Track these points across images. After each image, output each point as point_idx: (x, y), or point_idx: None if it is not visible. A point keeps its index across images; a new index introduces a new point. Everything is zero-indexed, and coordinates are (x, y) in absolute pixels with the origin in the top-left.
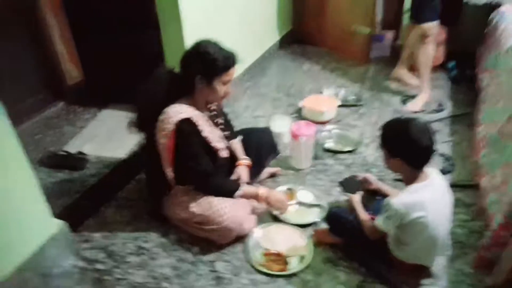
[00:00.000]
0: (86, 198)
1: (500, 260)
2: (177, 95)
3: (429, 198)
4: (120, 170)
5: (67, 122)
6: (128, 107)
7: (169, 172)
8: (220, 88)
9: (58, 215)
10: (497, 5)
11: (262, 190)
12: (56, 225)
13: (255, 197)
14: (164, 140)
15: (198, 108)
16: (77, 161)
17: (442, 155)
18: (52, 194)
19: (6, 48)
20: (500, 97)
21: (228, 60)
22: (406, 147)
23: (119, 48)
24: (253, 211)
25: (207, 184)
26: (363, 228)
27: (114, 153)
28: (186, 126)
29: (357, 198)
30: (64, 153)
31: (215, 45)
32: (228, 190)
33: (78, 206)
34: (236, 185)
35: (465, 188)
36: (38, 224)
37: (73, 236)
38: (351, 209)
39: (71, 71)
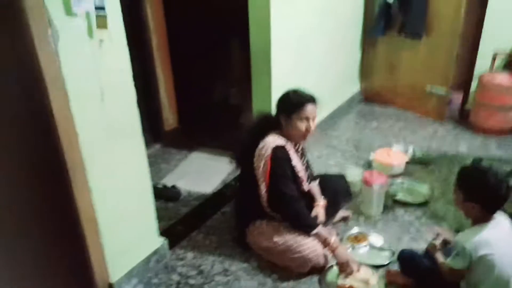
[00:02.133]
0: (179, 224)
1: None
2: (271, 132)
3: (495, 237)
4: (208, 203)
5: (163, 161)
6: (215, 150)
7: (264, 194)
8: (299, 124)
9: (160, 235)
10: None
11: (334, 239)
12: (160, 241)
13: (326, 241)
14: (262, 164)
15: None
16: (172, 193)
17: None
18: None
19: None
20: None
21: (302, 99)
22: (483, 193)
23: (212, 100)
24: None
25: (292, 207)
26: (441, 271)
27: (202, 189)
28: (280, 152)
29: (438, 241)
30: (161, 186)
31: (299, 90)
32: (308, 222)
33: (174, 230)
34: (315, 221)
35: None
36: (147, 238)
37: (170, 253)
38: (429, 252)
39: (169, 118)
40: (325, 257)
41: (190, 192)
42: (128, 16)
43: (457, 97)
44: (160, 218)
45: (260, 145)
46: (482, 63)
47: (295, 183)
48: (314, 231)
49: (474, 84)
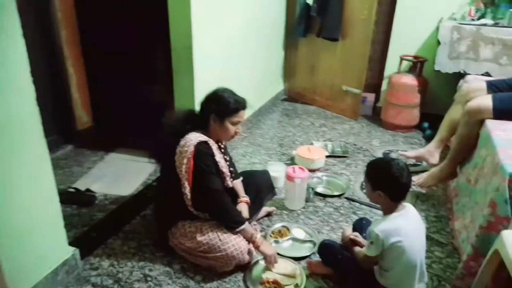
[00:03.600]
0: (94, 231)
1: None
2: (193, 129)
3: (404, 225)
4: (126, 207)
5: (76, 163)
6: (134, 151)
7: (188, 193)
8: (230, 128)
9: (69, 244)
10: (465, 74)
11: (259, 236)
12: (69, 251)
13: (251, 238)
14: (185, 161)
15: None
16: (85, 197)
17: None
18: None
19: None
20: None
21: (238, 104)
22: (387, 181)
23: (129, 98)
24: (250, 253)
25: (220, 202)
26: (357, 259)
27: (120, 192)
28: (203, 148)
29: (348, 231)
30: (73, 190)
31: (230, 91)
32: (236, 218)
33: (87, 237)
34: (242, 217)
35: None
36: (54, 248)
37: (83, 263)
38: (344, 242)
39: (82, 116)
40: (250, 253)
41: (107, 196)
42: (34, 8)
43: (370, 97)
44: (72, 225)
45: (182, 142)
46: (391, 65)
47: (219, 178)
48: (241, 227)
49: (384, 85)
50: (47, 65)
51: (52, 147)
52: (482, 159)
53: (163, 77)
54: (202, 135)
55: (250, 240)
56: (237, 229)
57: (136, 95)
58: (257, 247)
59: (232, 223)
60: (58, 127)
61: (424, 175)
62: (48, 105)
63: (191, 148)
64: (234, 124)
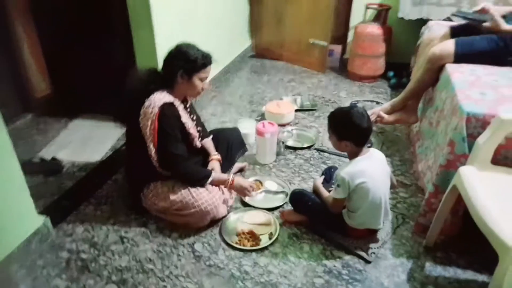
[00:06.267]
0: (65, 198)
1: (432, 224)
2: (158, 89)
3: (368, 167)
4: (96, 172)
5: (37, 132)
6: (99, 116)
7: (154, 155)
8: (198, 84)
9: (40, 213)
10: (427, 20)
11: (231, 176)
12: (40, 220)
13: (224, 182)
14: (149, 123)
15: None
16: (52, 166)
17: None
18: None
19: None
20: (429, 97)
21: (206, 59)
22: (351, 129)
23: (87, 60)
24: (225, 202)
25: (181, 168)
26: (326, 204)
27: (89, 158)
28: (168, 110)
29: (318, 180)
30: (38, 160)
31: (194, 46)
32: (201, 176)
33: (58, 205)
34: (207, 172)
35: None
36: (22, 218)
37: (56, 230)
38: (315, 190)
39: (40, 83)
40: (225, 202)
41: (75, 163)
42: None
43: (337, 49)
44: (40, 195)
45: (146, 103)
46: (356, 16)
47: (186, 140)
48: (210, 180)
49: (350, 36)
50: None
51: (10, 116)
52: (442, 102)
53: (122, 34)
54: (167, 94)
55: (224, 184)
56: (208, 182)
57: (94, 56)
58: (231, 186)
59: (200, 181)
60: (15, 96)
61: (375, 110)
62: (0, 73)
63: (156, 110)
64: (202, 80)
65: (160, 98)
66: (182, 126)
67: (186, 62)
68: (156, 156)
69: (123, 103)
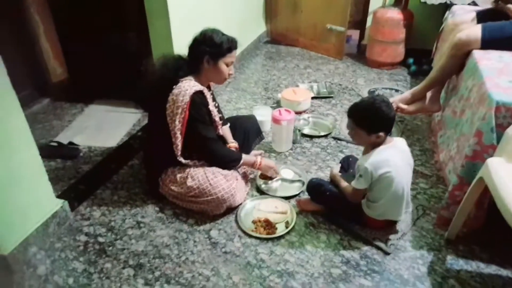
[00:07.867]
0: (82, 183)
1: (455, 217)
2: (184, 76)
3: (392, 156)
4: (112, 158)
5: (55, 117)
6: (115, 101)
7: (179, 143)
8: (225, 69)
9: (57, 197)
10: (451, 5)
11: (259, 158)
12: (58, 203)
13: (253, 164)
14: (179, 111)
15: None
16: (69, 150)
17: None
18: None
19: None
20: (453, 85)
21: (231, 43)
22: (381, 121)
23: (104, 46)
24: (245, 176)
25: (216, 150)
26: (345, 194)
27: (105, 143)
28: (199, 98)
29: (336, 169)
30: (55, 144)
31: (219, 31)
32: (234, 157)
33: (75, 189)
34: (238, 154)
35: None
36: (41, 202)
37: (73, 214)
38: (332, 179)
39: (56, 68)
40: (240, 194)
41: (91, 148)
42: None
43: (355, 34)
44: (58, 178)
45: (175, 91)
46: (375, 0)
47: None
48: (241, 162)
49: (369, 21)
50: (10, 17)
51: (27, 101)
52: (468, 90)
53: (137, 21)
54: (196, 83)
55: (253, 166)
56: (240, 164)
57: (110, 43)
58: (260, 168)
59: (233, 162)
60: (32, 81)
61: (394, 99)
62: (18, 58)
63: (187, 98)
64: (228, 65)
65: (190, 85)
66: (209, 113)
67: (212, 47)
68: (181, 145)
69: (147, 89)
